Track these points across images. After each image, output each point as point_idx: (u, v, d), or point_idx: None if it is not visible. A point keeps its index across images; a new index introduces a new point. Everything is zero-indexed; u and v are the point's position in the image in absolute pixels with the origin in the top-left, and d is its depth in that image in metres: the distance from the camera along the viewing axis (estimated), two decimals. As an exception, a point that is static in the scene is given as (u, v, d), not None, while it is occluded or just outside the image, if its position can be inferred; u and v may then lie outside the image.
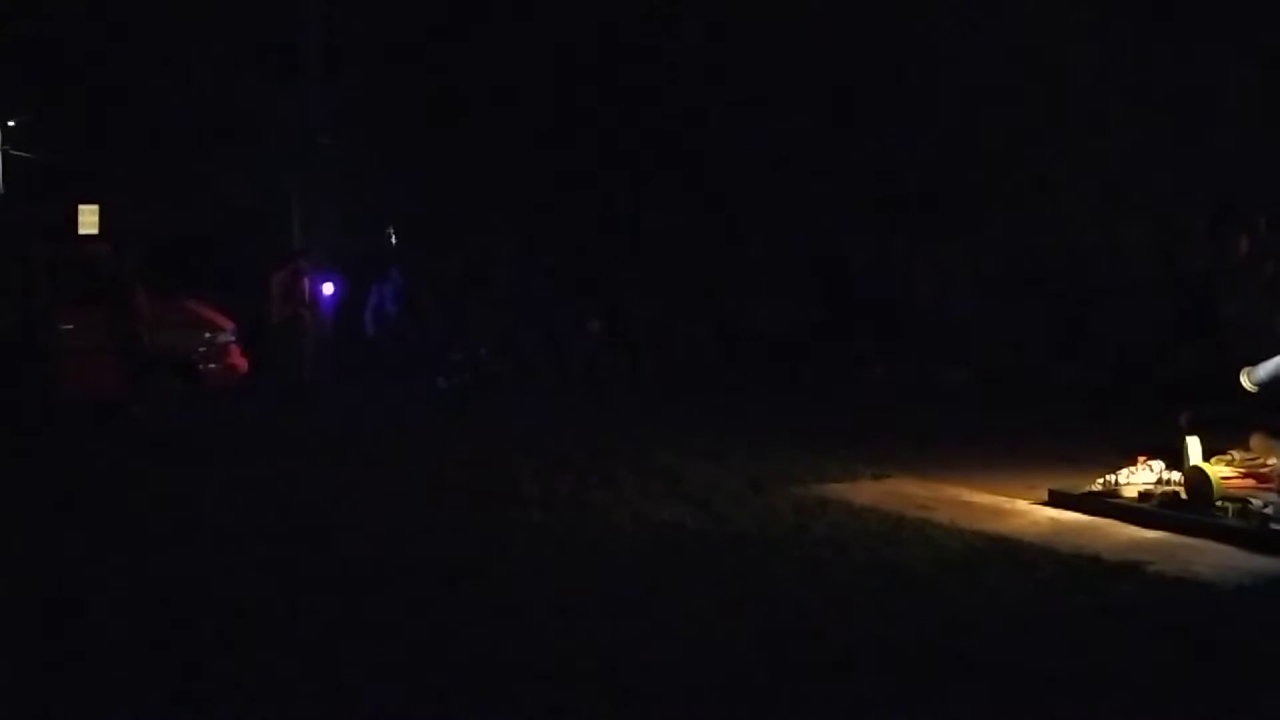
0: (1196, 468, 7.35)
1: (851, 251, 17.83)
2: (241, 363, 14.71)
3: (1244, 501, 7.01)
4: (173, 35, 19.92)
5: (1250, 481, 7.39)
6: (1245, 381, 7.73)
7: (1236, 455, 7.62)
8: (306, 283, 16.82)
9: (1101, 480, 7.76)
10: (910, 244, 17.14)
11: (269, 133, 19.33)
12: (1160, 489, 7.51)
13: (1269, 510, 6.78)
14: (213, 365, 14.30)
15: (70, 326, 13.47)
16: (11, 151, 25.67)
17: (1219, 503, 7.07)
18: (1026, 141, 15.86)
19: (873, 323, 16.71)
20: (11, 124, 25.54)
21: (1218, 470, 7.31)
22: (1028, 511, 7.71)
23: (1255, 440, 7.72)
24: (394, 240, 21.72)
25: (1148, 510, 7.31)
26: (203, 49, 19.69)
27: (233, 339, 14.64)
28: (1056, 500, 7.81)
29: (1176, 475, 7.52)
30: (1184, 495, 7.32)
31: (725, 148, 18.19)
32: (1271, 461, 7.52)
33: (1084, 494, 7.73)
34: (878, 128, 16.81)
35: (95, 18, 20.57)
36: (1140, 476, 7.68)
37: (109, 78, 20.74)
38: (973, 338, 15.80)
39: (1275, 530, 6.62)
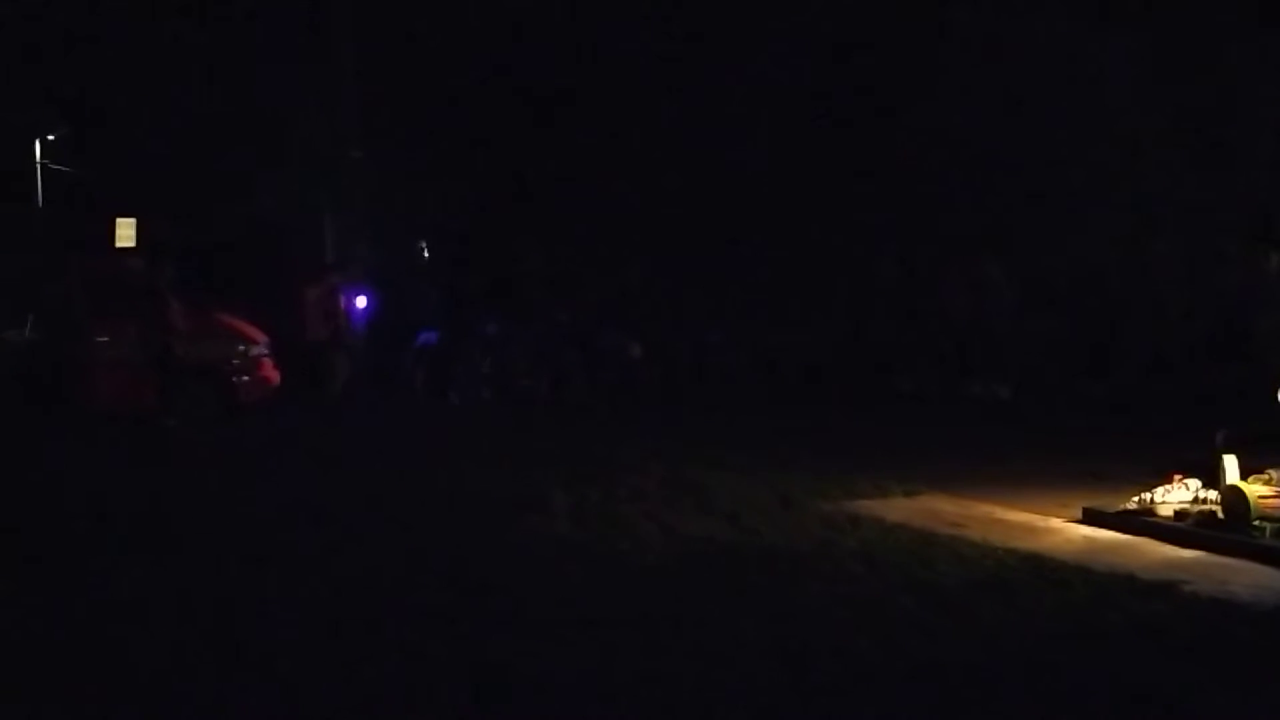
0: (1233, 487, 7.26)
1: (881, 267, 17.80)
2: (274, 375, 14.79)
3: (1281, 521, 6.93)
4: (208, 50, 20.13)
5: (1288, 501, 7.29)
6: (1283, 400, 7.65)
7: (1274, 474, 7.51)
8: (339, 298, 16.93)
9: (1136, 498, 7.68)
10: (940, 260, 17.10)
11: (302, 147, 19.48)
12: (1196, 508, 7.43)
13: (1307, 530, 6.71)
14: (245, 378, 14.39)
15: (105, 339, 13.61)
16: (50, 165, 25.94)
17: (1256, 522, 6.99)
18: (1059, 157, 15.81)
19: (903, 338, 16.66)
20: (51, 138, 25.84)
21: (1255, 489, 7.21)
22: (1061, 529, 7.65)
23: (1293, 459, 7.62)
24: (426, 255, 21.83)
25: (1183, 529, 7.24)
26: (237, 64, 19.88)
27: (266, 352, 14.72)
28: (1091, 518, 7.75)
29: (1213, 494, 7.44)
30: (1220, 514, 7.24)
31: (757, 164, 18.20)
32: (1310, 481, 7.42)
33: (1119, 512, 7.66)
34: (908, 141, 16.78)
35: (132, 33, 20.81)
36: (1176, 495, 7.60)
37: (145, 93, 20.96)
38: (1004, 353, 15.72)
39: (1313, 550, 6.54)
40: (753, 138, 18.23)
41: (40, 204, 25.27)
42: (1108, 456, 9.80)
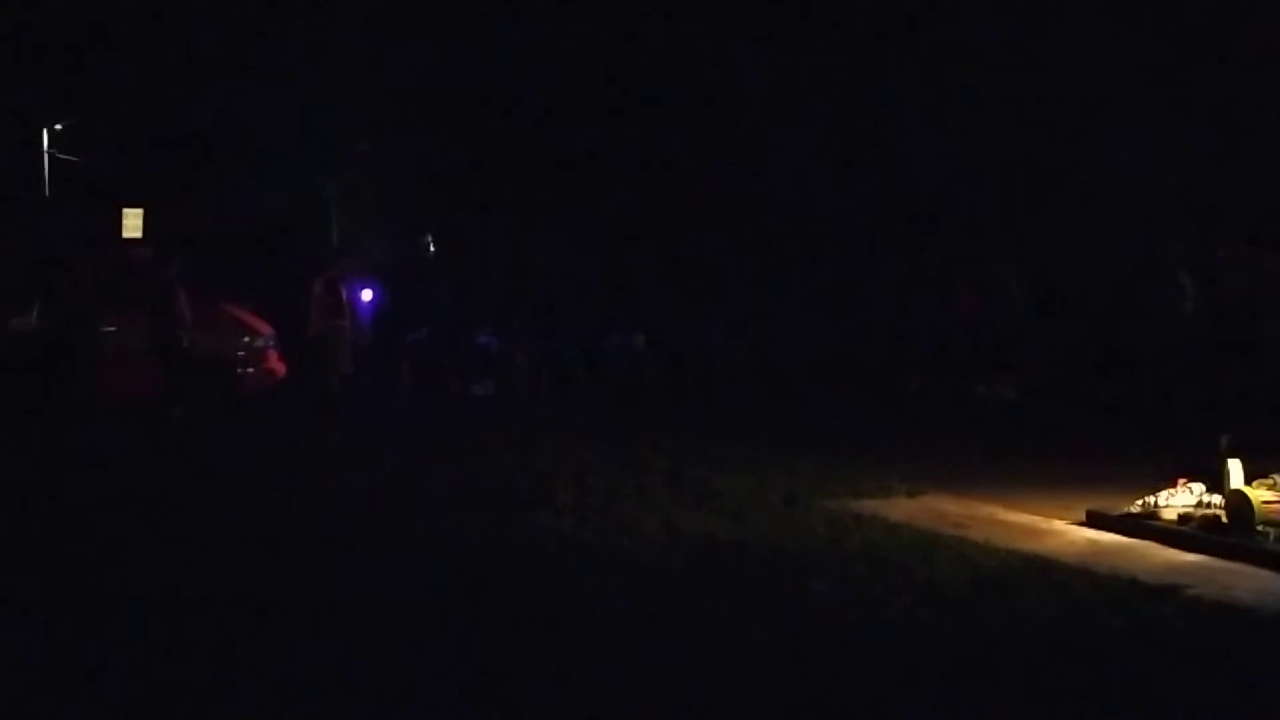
0: (1237, 491, 7.25)
1: (888, 266, 17.78)
2: (279, 367, 14.83)
3: (1286, 526, 6.91)
4: (216, 41, 20.16)
5: (1292, 506, 7.28)
6: (1288, 405, 7.63)
7: (1279, 479, 7.50)
8: (344, 290, 16.90)
9: (1140, 502, 7.66)
10: (947, 260, 17.07)
11: (309, 139, 19.51)
12: (1200, 512, 7.41)
13: (1311, 536, 6.69)
14: (250, 369, 14.43)
15: (112, 329, 13.64)
16: (57, 155, 25.97)
17: (1260, 527, 6.96)
18: (1066, 157, 15.80)
19: (909, 336, 16.65)
20: (58, 128, 25.85)
21: (1259, 494, 7.19)
22: (1064, 532, 7.63)
23: (1298, 464, 7.61)
24: (431, 248, 21.83)
25: (1187, 533, 7.22)
26: (246, 56, 19.90)
27: (271, 343, 14.76)
28: (1094, 521, 7.73)
29: (1217, 498, 7.41)
30: (1224, 519, 7.22)
31: (764, 162, 18.20)
32: (1314, 486, 7.40)
33: (1122, 515, 7.64)
34: (915, 140, 16.79)
35: (139, 24, 20.84)
36: (1180, 499, 7.58)
37: (152, 83, 20.99)
38: (1011, 353, 15.69)
39: (1317, 556, 6.52)
40: (760, 135, 18.22)
41: (47, 194, 25.31)
42: (1112, 459, 9.77)
